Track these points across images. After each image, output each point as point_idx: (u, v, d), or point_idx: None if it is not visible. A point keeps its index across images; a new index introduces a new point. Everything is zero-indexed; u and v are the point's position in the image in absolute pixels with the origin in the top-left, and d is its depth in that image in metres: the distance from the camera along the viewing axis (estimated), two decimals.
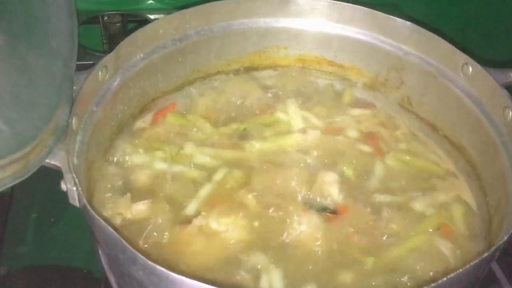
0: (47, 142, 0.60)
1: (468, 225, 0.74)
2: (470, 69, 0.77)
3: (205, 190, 0.76)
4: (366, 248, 0.70)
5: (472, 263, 0.53)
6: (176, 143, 0.83)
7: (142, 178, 0.77)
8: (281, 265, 0.68)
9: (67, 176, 0.61)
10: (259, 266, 0.67)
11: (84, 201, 0.59)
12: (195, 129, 0.85)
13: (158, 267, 0.53)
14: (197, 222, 0.71)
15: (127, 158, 0.79)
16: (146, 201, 0.73)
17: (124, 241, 0.54)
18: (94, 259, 0.68)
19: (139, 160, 0.79)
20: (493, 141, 0.74)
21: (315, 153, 0.82)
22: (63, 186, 0.61)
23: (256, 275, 0.66)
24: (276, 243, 0.70)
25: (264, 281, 0.66)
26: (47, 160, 0.61)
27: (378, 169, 0.81)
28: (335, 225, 0.72)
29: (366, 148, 0.84)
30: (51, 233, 0.88)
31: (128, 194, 0.73)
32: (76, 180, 0.60)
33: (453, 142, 0.84)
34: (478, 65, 0.76)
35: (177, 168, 0.79)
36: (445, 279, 0.51)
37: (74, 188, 0.60)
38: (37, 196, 0.91)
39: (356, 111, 0.90)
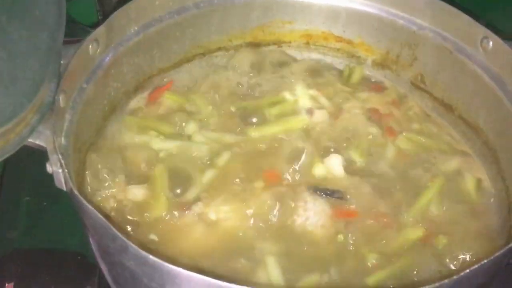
0: (30, 120, 0.55)
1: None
2: (490, 43, 0.72)
3: (206, 175, 0.72)
4: (374, 238, 0.66)
5: (496, 254, 0.48)
6: (174, 124, 0.78)
7: (137, 160, 0.73)
8: (283, 254, 0.64)
9: (53, 157, 0.56)
10: (259, 255, 0.63)
11: (71, 184, 0.54)
12: (194, 109, 0.80)
13: (151, 257, 0.48)
14: (196, 208, 0.67)
15: (121, 139, 0.75)
16: (142, 185, 0.69)
17: (114, 229, 0.49)
18: (89, 244, 0.64)
19: (134, 142, 0.75)
20: None
21: (322, 135, 0.77)
22: (49, 169, 0.57)
23: (256, 264, 0.63)
24: (281, 231, 0.66)
25: (262, 271, 0.62)
26: (30, 140, 0.57)
27: (389, 151, 0.76)
28: (343, 211, 0.68)
29: (376, 129, 0.79)
30: (43, 217, 0.85)
31: (123, 177, 0.69)
32: (62, 161, 0.55)
33: (470, 123, 0.79)
34: (499, 38, 0.72)
35: (175, 150, 0.74)
36: (468, 270, 0.46)
37: (60, 170, 0.56)
38: (29, 179, 0.88)
39: (366, 91, 0.85)
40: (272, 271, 0.62)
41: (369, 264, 0.64)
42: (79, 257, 0.78)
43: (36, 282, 0.74)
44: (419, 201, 0.70)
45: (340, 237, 0.66)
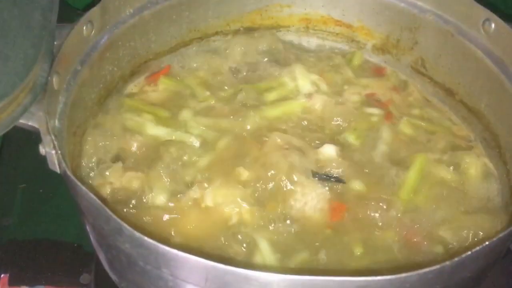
0: (22, 100, 0.54)
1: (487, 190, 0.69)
2: (493, 25, 0.71)
3: (202, 161, 0.70)
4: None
5: (499, 236, 0.47)
6: (171, 109, 0.77)
7: (134, 145, 0.72)
8: (280, 240, 0.63)
9: (46, 138, 0.55)
10: (253, 240, 0.62)
11: (65, 166, 0.53)
12: (191, 94, 0.79)
13: (146, 238, 0.47)
14: (192, 193, 0.66)
15: (117, 123, 0.74)
16: (138, 170, 0.68)
17: (108, 210, 0.48)
18: (85, 233, 0.64)
19: (131, 126, 0.74)
20: None
21: (320, 120, 0.76)
22: (42, 150, 0.56)
23: (251, 249, 0.62)
24: (277, 216, 0.65)
25: (257, 256, 0.61)
26: (22, 121, 0.56)
27: (387, 136, 0.75)
28: (340, 195, 0.67)
29: (375, 114, 0.77)
30: (39, 205, 0.84)
31: (120, 162, 0.68)
32: (55, 142, 0.54)
33: (471, 108, 0.78)
34: (501, 21, 0.70)
35: (172, 136, 0.73)
36: (470, 252, 0.45)
37: (53, 152, 0.55)
38: (25, 166, 0.86)
39: (366, 76, 0.84)
40: (267, 254, 0.61)
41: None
42: (75, 245, 0.77)
43: (32, 272, 0.74)
44: (407, 180, 0.68)
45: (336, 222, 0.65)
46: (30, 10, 0.57)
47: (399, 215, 0.65)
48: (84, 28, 0.67)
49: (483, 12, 0.72)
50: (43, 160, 0.58)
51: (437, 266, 0.45)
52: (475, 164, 0.71)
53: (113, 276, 0.62)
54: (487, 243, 0.47)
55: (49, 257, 0.76)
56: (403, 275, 0.44)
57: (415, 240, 0.63)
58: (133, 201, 0.66)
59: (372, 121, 0.76)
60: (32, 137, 0.59)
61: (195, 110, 0.76)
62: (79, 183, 0.51)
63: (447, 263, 0.45)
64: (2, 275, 0.72)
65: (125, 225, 0.48)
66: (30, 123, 0.56)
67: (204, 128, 0.74)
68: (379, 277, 0.43)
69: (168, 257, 0.47)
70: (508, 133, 0.71)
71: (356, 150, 0.72)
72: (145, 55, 0.80)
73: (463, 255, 0.45)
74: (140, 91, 0.80)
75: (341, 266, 0.61)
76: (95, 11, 0.68)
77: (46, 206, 0.83)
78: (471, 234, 0.62)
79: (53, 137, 0.54)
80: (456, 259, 0.45)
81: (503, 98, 0.71)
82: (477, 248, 0.46)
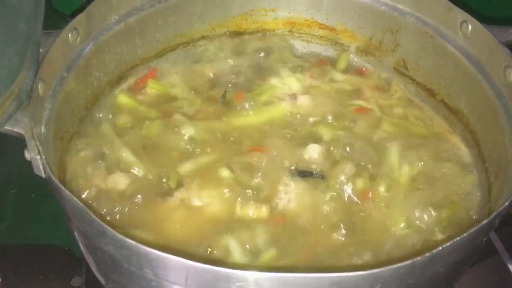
0: (7, 107, 0.55)
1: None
2: (470, 27, 0.73)
3: (188, 163, 0.72)
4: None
5: (470, 231, 0.49)
6: (158, 112, 0.78)
7: (121, 147, 0.72)
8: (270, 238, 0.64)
9: (31, 144, 0.56)
10: (232, 242, 0.63)
11: (49, 170, 0.54)
12: (178, 98, 0.81)
13: (128, 240, 0.48)
14: (178, 195, 0.68)
15: (104, 128, 0.75)
16: (123, 173, 0.69)
17: (90, 213, 0.50)
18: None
19: (117, 130, 0.75)
20: (493, 103, 0.70)
21: (304, 120, 0.78)
22: (27, 155, 0.57)
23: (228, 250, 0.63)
24: (264, 215, 0.66)
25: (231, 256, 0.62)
26: (8, 127, 0.57)
27: (371, 134, 0.77)
28: (324, 190, 0.69)
29: (358, 113, 0.79)
30: (31, 210, 0.84)
31: (105, 164, 0.69)
32: (40, 148, 0.55)
33: (451, 107, 0.80)
34: (477, 22, 0.72)
35: (157, 138, 0.74)
36: (441, 248, 0.47)
37: (38, 157, 0.56)
38: (16, 171, 0.87)
39: (350, 77, 0.86)
40: (235, 254, 0.62)
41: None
42: (66, 249, 0.78)
43: (24, 276, 0.75)
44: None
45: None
46: (14, 18, 0.59)
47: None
48: (70, 35, 0.67)
49: (460, 14, 0.73)
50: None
51: (409, 261, 0.46)
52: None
53: (100, 278, 0.64)
54: (457, 238, 0.48)
55: (41, 260, 0.77)
56: (376, 270, 0.45)
57: None
58: (119, 203, 0.67)
59: (355, 119, 0.78)
60: (23, 143, 0.59)
61: (184, 113, 0.77)
62: (63, 187, 0.52)
63: (418, 258, 0.46)
64: None
65: (107, 227, 0.49)
66: (15, 130, 0.58)
67: (193, 129, 0.75)
68: (352, 273, 0.45)
69: (150, 258, 0.49)
70: (486, 132, 0.73)
71: (341, 149, 0.73)
72: (131, 60, 0.81)
73: (434, 251, 0.47)
74: (127, 96, 0.80)
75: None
76: (80, 18, 0.69)
77: (37, 210, 0.84)
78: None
79: (38, 142, 0.56)
80: (427, 254, 0.47)
81: (480, 97, 0.72)
82: (448, 243, 0.47)
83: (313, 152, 0.72)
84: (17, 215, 0.83)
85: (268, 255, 0.62)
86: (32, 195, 0.85)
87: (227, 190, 0.68)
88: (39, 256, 0.78)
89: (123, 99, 0.79)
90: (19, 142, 0.60)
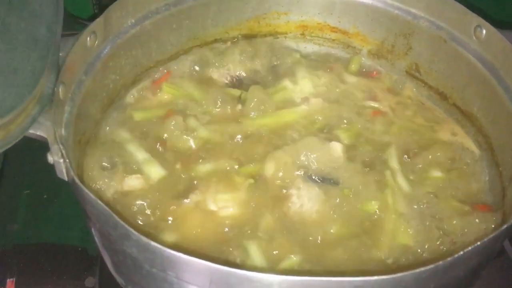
0: (30, 111, 0.56)
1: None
2: (484, 31, 0.73)
3: (204, 165, 0.72)
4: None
5: (491, 236, 0.49)
6: (172, 115, 0.78)
7: (136, 151, 0.73)
8: (275, 243, 0.65)
9: (54, 147, 0.57)
10: (251, 244, 0.64)
11: (73, 174, 0.55)
12: (191, 100, 0.81)
13: (152, 243, 0.49)
14: (194, 197, 0.68)
15: (119, 131, 0.75)
16: (139, 175, 0.70)
17: (115, 216, 0.50)
18: (89, 236, 0.65)
19: (133, 133, 0.75)
20: (508, 108, 0.71)
21: (317, 123, 0.78)
22: (50, 159, 0.57)
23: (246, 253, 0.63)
24: (276, 219, 0.67)
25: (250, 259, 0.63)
26: (31, 131, 0.57)
27: (382, 136, 0.77)
28: (337, 197, 0.69)
29: (371, 116, 0.80)
30: (44, 210, 0.85)
31: (121, 167, 0.70)
32: (64, 151, 0.56)
33: (464, 111, 0.80)
34: (492, 27, 0.72)
35: (172, 141, 0.75)
36: (462, 252, 0.47)
37: (61, 160, 0.56)
38: (29, 172, 0.88)
39: (362, 80, 0.86)
40: (255, 257, 0.63)
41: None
42: (80, 249, 0.79)
43: (37, 276, 0.75)
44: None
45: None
46: (36, 23, 0.59)
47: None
48: (88, 39, 0.68)
49: (475, 19, 0.74)
50: (46, 166, 0.59)
51: (431, 266, 0.47)
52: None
53: (119, 279, 0.64)
54: (478, 243, 0.49)
55: (54, 261, 0.77)
56: (399, 274, 0.46)
57: None
58: (136, 205, 0.67)
59: (367, 122, 0.79)
60: (35, 144, 0.60)
61: (198, 115, 0.78)
62: (87, 190, 0.53)
63: (441, 263, 0.47)
64: (8, 280, 0.74)
65: (133, 230, 0.50)
66: (38, 133, 0.58)
67: (207, 132, 0.75)
68: (375, 277, 0.45)
69: (174, 261, 0.49)
70: (499, 136, 0.73)
71: (353, 150, 0.74)
72: (146, 63, 0.82)
73: (456, 255, 0.47)
74: (142, 98, 0.81)
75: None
76: (98, 22, 0.69)
77: (50, 210, 0.85)
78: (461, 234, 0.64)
79: (61, 146, 0.56)
80: (449, 259, 0.47)
81: (494, 102, 0.73)
82: (469, 248, 0.48)
83: (335, 149, 0.72)
84: (30, 215, 0.84)
85: (289, 261, 0.62)
86: (45, 196, 0.86)
87: (242, 193, 0.68)
88: (52, 257, 0.78)
89: (138, 115, 0.78)
90: (31, 143, 0.60)
